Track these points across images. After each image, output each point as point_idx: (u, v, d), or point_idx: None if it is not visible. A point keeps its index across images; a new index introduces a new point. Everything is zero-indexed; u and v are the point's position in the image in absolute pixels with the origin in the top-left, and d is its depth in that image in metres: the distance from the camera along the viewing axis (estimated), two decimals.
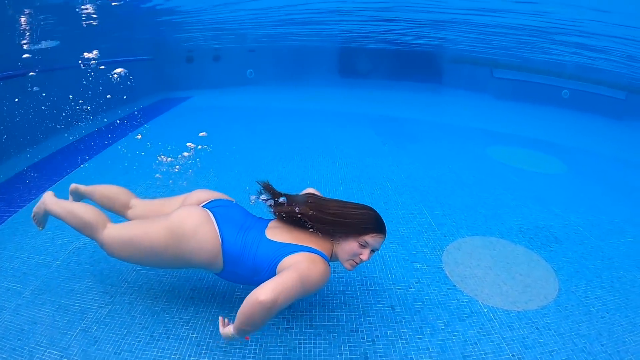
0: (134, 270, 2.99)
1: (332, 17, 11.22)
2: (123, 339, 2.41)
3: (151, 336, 2.47)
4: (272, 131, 7.35)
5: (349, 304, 2.73)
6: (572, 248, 4.00)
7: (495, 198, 4.84)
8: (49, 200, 2.53)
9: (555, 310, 2.93)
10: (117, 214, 2.67)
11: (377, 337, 2.50)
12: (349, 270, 2.17)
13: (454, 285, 3.06)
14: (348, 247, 2.10)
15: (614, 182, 6.48)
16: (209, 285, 2.90)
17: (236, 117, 8.45)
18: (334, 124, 8.17)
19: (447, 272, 3.21)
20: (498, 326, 2.68)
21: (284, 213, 2.16)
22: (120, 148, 6.08)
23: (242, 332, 1.80)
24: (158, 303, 2.70)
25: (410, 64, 16.30)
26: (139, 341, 2.41)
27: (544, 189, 5.66)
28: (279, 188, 2.43)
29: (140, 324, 2.54)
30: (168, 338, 2.46)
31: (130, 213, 2.61)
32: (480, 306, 2.86)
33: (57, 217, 2.44)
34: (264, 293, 1.72)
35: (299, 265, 1.88)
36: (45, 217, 2.66)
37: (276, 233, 2.15)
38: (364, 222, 2.10)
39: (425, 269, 3.25)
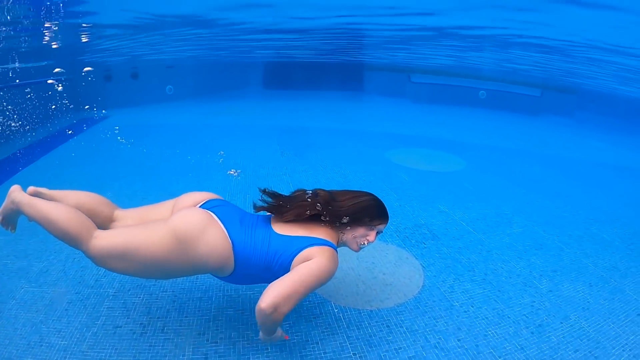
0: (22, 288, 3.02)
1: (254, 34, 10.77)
2: (5, 348, 2.39)
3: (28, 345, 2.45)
4: (183, 146, 7.51)
5: (202, 309, 2.81)
6: (448, 244, 4.15)
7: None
8: (18, 198, 2.08)
9: (412, 307, 3.01)
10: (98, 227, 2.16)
11: (220, 338, 2.55)
12: (356, 251, 2.33)
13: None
14: (358, 233, 2.22)
15: (513, 176, 6.97)
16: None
17: (153, 133, 8.58)
18: (244, 137, 8.39)
19: None
20: (345, 325, 2.71)
21: (296, 214, 2.17)
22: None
23: (267, 335, 1.98)
24: (38, 315, 2.74)
25: (332, 73, 16.87)
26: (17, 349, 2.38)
27: (435, 187, 5.92)
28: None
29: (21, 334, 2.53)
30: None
31: (114, 226, 2.30)
32: (332, 307, 2.91)
33: (32, 220, 2.05)
34: (265, 301, 1.78)
35: (311, 264, 1.96)
36: (15, 217, 2.23)
37: (283, 227, 2.12)
38: (375, 212, 2.24)
39: None
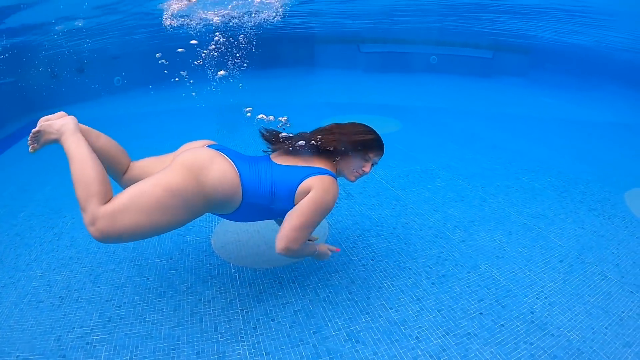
0: None
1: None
2: None
3: None
4: (139, 134, 7.34)
5: (114, 279, 2.93)
6: (362, 201, 4.14)
7: None
8: (72, 129, 2.02)
9: (309, 264, 3.02)
10: (111, 174, 2.25)
11: (124, 303, 2.64)
12: (352, 182, 2.41)
13: (213, 252, 3.16)
14: (354, 164, 2.32)
15: (450, 134, 7.00)
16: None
17: (106, 126, 7.38)
18: (190, 119, 8.49)
19: (212, 241, 3.31)
20: (238, 284, 2.77)
21: (303, 143, 2.27)
22: None
23: (304, 257, 2.32)
24: None
25: (282, 49, 16.33)
26: None
27: None
28: None
29: None
30: None
31: (126, 176, 2.30)
32: (230, 268, 2.97)
33: (66, 154, 1.93)
34: (278, 247, 2.05)
35: (309, 200, 2.07)
36: (49, 143, 2.11)
37: (284, 159, 2.21)
38: (371, 144, 2.34)
39: (193, 241, 3.34)
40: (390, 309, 2.56)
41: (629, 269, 3.08)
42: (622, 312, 2.62)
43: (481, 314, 2.58)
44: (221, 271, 2.93)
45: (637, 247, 3.39)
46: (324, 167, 2.18)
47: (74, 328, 2.37)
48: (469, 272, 2.99)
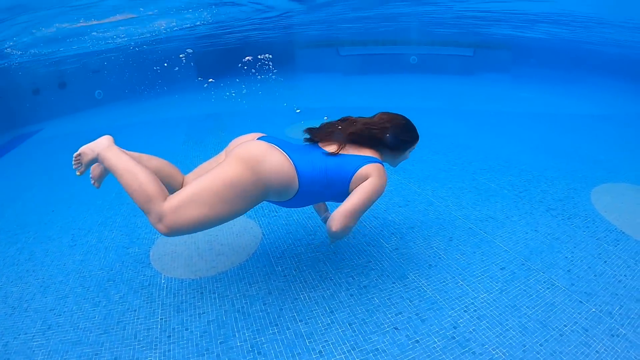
0: None
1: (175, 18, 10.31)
2: None
3: None
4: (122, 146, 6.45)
5: (60, 290, 3.06)
6: (301, 210, 3.95)
7: None
8: (106, 144, 2.20)
9: (234, 274, 3.05)
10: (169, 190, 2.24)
11: (64, 312, 2.77)
12: (394, 167, 2.69)
13: (150, 264, 3.21)
14: (401, 156, 2.56)
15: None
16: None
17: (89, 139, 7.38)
18: (165, 130, 8.47)
19: (150, 253, 3.35)
20: (164, 294, 2.83)
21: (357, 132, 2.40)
22: None
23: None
24: None
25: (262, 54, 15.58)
26: None
27: None
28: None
29: None
30: None
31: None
32: (161, 278, 3.01)
33: (109, 170, 2.14)
34: (335, 225, 2.09)
35: (369, 184, 2.18)
36: (90, 163, 2.33)
37: (334, 148, 2.32)
38: (416, 139, 2.55)
39: (135, 252, 3.40)
40: (301, 321, 2.48)
41: (581, 274, 2.91)
42: (565, 325, 2.43)
43: (396, 328, 2.42)
44: (152, 282, 2.96)
45: (595, 249, 3.32)
46: (374, 156, 2.30)
47: (19, 335, 2.49)
48: (393, 283, 2.83)
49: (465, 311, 2.56)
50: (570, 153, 5.81)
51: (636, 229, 3.64)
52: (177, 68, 16.14)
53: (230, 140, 2.59)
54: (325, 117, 2.58)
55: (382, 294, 2.71)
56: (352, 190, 2.17)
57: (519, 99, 10.71)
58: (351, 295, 2.71)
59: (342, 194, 2.22)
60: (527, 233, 3.43)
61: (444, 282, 2.84)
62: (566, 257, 3.13)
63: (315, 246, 3.28)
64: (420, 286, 2.80)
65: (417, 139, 2.51)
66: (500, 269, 2.97)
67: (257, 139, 2.33)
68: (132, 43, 13.33)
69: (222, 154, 2.47)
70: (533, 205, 4.00)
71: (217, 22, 12.79)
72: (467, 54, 15.67)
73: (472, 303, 2.62)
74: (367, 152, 2.33)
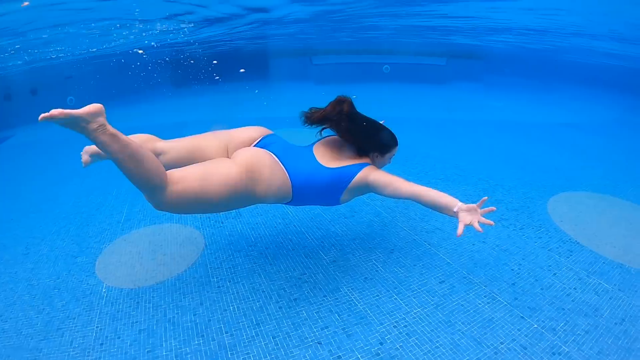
0: None
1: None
2: None
3: None
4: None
5: (8, 297, 3.07)
6: (247, 220, 4.01)
7: None
8: (102, 120, 1.94)
9: (171, 285, 3.06)
10: None
11: (10, 318, 2.83)
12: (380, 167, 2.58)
13: (94, 273, 3.24)
14: (380, 159, 2.71)
15: None
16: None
17: (59, 147, 8.28)
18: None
19: (96, 263, 3.39)
20: (103, 303, 2.85)
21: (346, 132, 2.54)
22: None
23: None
24: None
25: (238, 64, 15.93)
26: None
27: None
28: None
29: None
30: None
31: (162, 159, 2.38)
32: (103, 287, 3.05)
33: (107, 157, 1.99)
34: (407, 191, 2.31)
35: (380, 173, 2.41)
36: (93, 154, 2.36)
37: (328, 159, 2.50)
38: (392, 145, 2.71)
39: (83, 262, 3.43)
40: (226, 332, 2.48)
41: (527, 288, 2.86)
42: (501, 343, 2.37)
43: (319, 343, 2.38)
44: (94, 291, 2.98)
45: (546, 261, 3.25)
46: (364, 162, 2.49)
47: None
48: (325, 296, 2.78)
49: (394, 327, 2.50)
50: (533, 162, 5.80)
51: (591, 239, 3.58)
52: (143, 74, 15.94)
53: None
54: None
55: (311, 307, 2.66)
56: (344, 197, 2.44)
57: (490, 108, 10.70)
58: (280, 307, 2.68)
59: (332, 202, 2.47)
60: (474, 245, 3.37)
61: (377, 295, 2.77)
62: (512, 270, 3.08)
63: (253, 257, 3.26)
64: (352, 300, 2.74)
65: (394, 149, 2.71)
66: (440, 282, 2.91)
67: (262, 138, 2.54)
68: (105, 50, 13.22)
69: (221, 136, 2.54)
70: (485, 214, 3.87)
71: (190, 33, 12.69)
72: (439, 63, 15.89)
73: (404, 318, 2.56)
74: (359, 160, 2.52)
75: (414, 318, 2.56)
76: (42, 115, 1.87)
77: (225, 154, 2.41)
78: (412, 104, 11.44)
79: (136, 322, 2.61)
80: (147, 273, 3.16)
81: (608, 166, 5.63)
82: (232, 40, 14.11)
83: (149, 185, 1.97)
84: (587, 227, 3.77)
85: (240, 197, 2.21)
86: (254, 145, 2.46)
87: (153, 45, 12.90)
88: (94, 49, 12.37)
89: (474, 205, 2.10)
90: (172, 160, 2.38)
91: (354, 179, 2.36)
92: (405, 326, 2.50)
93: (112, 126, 1.91)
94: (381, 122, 2.76)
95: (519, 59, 15.77)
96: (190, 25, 10.57)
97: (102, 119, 1.89)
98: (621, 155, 6.25)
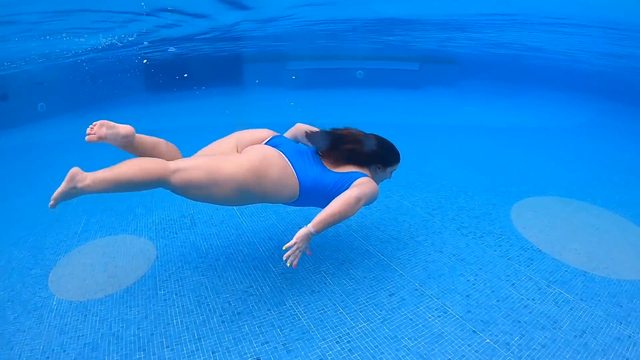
0: None
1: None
2: None
3: None
4: (63, 164, 6.14)
5: None
6: (201, 231, 3.92)
7: (149, 195, 4.92)
8: (80, 177, 2.18)
9: (118, 297, 3.02)
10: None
11: None
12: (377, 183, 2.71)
13: (47, 285, 3.20)
14: (382, 172, 2.89)
15: None
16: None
17: (29, 154, 8.23)
18: (99, 146, 7.07)
19: (50, 275, 3.33)
20: (52, 316, 2.81)
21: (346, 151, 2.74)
22: None
23: (320, 231, 2.33)
24: None
25: (213, 69, 16.97)
26: None
27: None
28: None
29: None
30: None
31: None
32: (53, 300, 3.01)
33: (102, 192, 2.23)
34: (355, 194, 2.38)
35: (367, 184, 2.53)
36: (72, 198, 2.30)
37: (333, 164, 2.72)
38: (394, 160, 2.90)
39: (37, 274, 3.36)
40: (167, 347, 2.43)
41: (482, 300, 2.78)
42: (449, 359, 2.32)
43: (258, 358, 2.32)
44: (45, 303, 2.93)
45: (504, 271, 3.18)
46: (364, 172, 2.70)
47: None
48: (269, 310, 2.71)
49: (337, 342, 2.43)
50: (499, 167, 5.81)
51: (555, 246, 3.56)
52: (115, 80, 15.83)
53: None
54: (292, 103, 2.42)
55: (254, 322, 2.61)
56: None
57: (462, 113, 10.76)
58: (223, 321, 2.63)
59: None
60: (429, 255, 3.32)
61: (322, 309, 2.71)
62: (468, 281, 3.03)
63: (203, 270, 3.20)
64: (296, 314, 2.67)
65: (396, 164, 2.92)
66: (389, 295, 2.84)
67: (271, 138, 2.69)
68: (76, 56, 13.25)
69: (231, 139, 2.69)
70: (444, 223, 3.81)
71: (160, 38, 12.62)
72: (413, 68, 16.05)
73: (348, 333, 2.48)
74: (362, 170, 2.72)
75: (359, 333, 2.46)
76: (50, 205, 2.22)
77: (236, 152, 2.55)
78: (384, 109, 11.50)
79: (82, 336, 2.58)
80: (97, 285, 3.12)
81: (577, 170, 5.61)
82: (202, 45, 14.00)
83: (152, 185, 2.22)
84: (551, 233, 3.73)
85: (247, 191, 2.36)
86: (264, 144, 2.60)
87: (118, 45, 12.75)
88: (69, 54, 12.20)
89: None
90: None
91: (353, 183, 2.52)
92: (349, 342, 2.42)
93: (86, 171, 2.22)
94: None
95: (494, 63, 15.91)
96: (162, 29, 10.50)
97: (80, 177, 2.15)
98: (591, 159, 6.26)
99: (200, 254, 3.44)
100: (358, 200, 2.35)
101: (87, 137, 2.37)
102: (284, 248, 2.28)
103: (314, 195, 2.55)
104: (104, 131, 2.35)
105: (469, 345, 2.33)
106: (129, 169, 2.17)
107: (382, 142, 2.82)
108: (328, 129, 2.79)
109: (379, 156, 2.77)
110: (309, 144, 2.78)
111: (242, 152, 2.48)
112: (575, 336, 2.40)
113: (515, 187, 4.79)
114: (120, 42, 12.35)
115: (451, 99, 13.48)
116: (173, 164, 2.26)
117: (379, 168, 2.80)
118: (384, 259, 3.17)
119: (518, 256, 3.42)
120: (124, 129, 2.36)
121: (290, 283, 2.96)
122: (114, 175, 2.14)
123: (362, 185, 2.47)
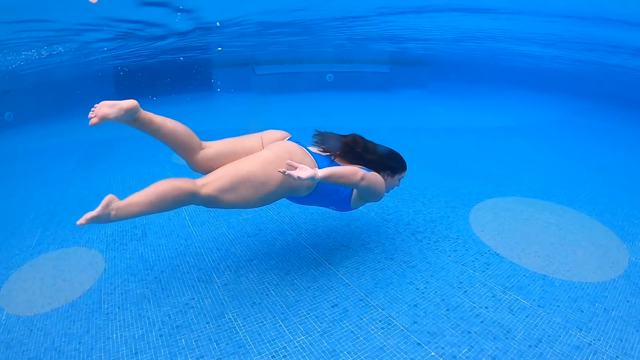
0: None
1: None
2: None
3: None
4: (34, 174, 6.75)
5: None
6: (150, 242, 3.87)
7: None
8: (115, 205, 2.19)
9: (64, 311, 2.98)
10: (183, 155, 2.62)
11: None
12: (386, 193, 2.99)
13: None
14: (390, 180, 3.00)
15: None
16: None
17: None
18: (63, 155, 7.91)
19: (1, 290, 3.25)
20: (1, 331, 2.79)
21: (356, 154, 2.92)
22: None
23: (323, 180, 2.32)
24: None
25: (181, 75, 16.84)
26: None
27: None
28: None
29: None
30: None
31: (201, 153, 2.64)
32: (2, 315, 2.96)
33: (136, 217, 2.28)
34: (362, 172, 2.48)
35: (375, 175, 2.67)
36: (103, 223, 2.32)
37: (345, 162, 2.87)
38: (403, 165, 3.04)
39: None
40: None
41: (430, 309, 2.72)
42: None
43: None
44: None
45: (457, 277, 3.10)
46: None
47: None
48: (207, 323, 2.66)
49: (272, 357, 2.37)
50: (462, 168, 5.80)
51: (513, 249, 3.52)
52: (79, 92, 15.64)
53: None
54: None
55: (192, 335, 2.56)
56: (354, 199, 2.77)
57: (432, 115, 10.80)
58: (161, 335, 2.58)
59: (345, 201, 2.74)
60: (379, 262, 3.26)
61: (261, 322, 2.66)
62: (417, 289, 2.96)
63: (148, 282, 3.14)
64: (235, 327, 2.63)
65: (403, 172, 3.07)
66: (332, 306, 2.79)
67: (289, 138, 2.81)
68: (43, 64, 13.05)
69: (255, 136, 2.77)
70: (398, 228, 3.76)
71: (128, 45, 12.51)
72: (383, 70, 16.30)
73: (284, 347, 2.43)
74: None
75: (296, 347, 2.42)
76: (79, 222, 2.15)
77: (260, 147, 2.64)
78: (354, 112, 11.52)
79: (26, 351, 2.54)
80: (45, 299, 3.07)
81: (542, 169, 5.61)
82: (171, 50, 13.91)
83: (184, 201, 2.29)
84: (510, 235, 3.68)
85: (273, 180, 2.50)
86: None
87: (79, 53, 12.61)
88: (34, 61, 12.03)
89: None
90: (214, 151, 2.62)
91: None
92: (285, 356, 2.36)
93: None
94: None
95: (465, 64, 16.04)
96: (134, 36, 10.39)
97: (114, 206, 2.14)
98: (557, 158, 6.27)
99: (147, 265, 3.39)
100: (362, 177, 2.42)
101: (90, 122, 2.32)
102: (284, 171, 2.27)
103: (329, 188, 2.66)
104: (104, 110, 2.31)
105: (411, 359, 2.23)
106: (159, 187, 2.25)
107: (389, 150, 2.98)
108: (347, 134, 2.93)
109: (386, 165, 2.92)
110: (322, 145, 2.85)
111: (266, 148, 2.60)
112: (529, 346, 2.34)
113: (476, 189, 4.74)
114: (79, 51, 12.16)
115: (420, 100, 13.65)
116: (199, 180, 2.39)
117: (387, 175, 2.91)
118: (331, 268, 3.12)
119: (473, 261, 3.28)
120: (126, 102, 2.33)
121: (232, 295, 2.91)
122: (146, 196, 2.20)
123: (370, 173, 2.57)
